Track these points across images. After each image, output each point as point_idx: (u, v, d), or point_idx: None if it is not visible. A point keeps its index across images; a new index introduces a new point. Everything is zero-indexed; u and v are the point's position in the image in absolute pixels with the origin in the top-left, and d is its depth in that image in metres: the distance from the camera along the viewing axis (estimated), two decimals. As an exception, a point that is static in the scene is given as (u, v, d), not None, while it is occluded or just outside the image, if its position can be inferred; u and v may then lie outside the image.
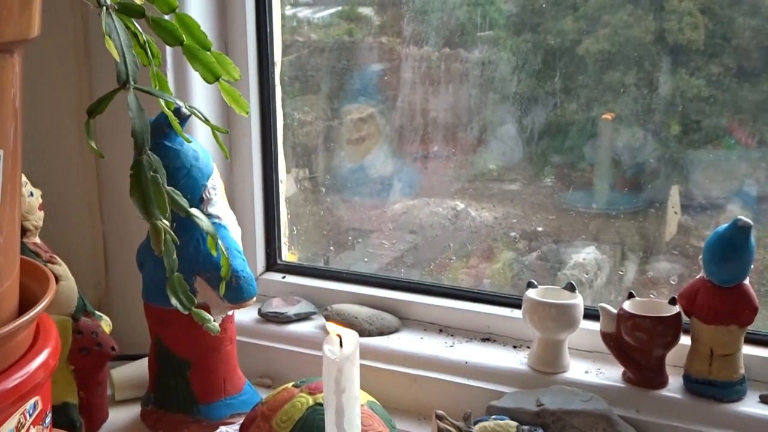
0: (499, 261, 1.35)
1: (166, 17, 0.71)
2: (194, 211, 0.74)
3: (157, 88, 0.76)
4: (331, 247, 1.42)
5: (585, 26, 1.15)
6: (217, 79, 0.73)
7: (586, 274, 1.28)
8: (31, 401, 0.72)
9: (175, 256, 0.73)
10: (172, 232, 0.69)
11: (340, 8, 1.33)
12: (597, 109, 1.20)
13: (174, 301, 0.73)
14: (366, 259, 1.39)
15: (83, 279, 1.23)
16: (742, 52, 1.08)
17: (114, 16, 0.65)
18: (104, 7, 0.64)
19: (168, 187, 0.70)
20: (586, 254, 1.31)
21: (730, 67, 1.09)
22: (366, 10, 1.29)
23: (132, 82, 0.66)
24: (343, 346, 0.59)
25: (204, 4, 1.15)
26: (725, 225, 0.92)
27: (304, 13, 1.35)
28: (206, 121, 0.73)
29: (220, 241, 0.77)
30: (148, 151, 0.67)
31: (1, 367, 0.70)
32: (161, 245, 0.67)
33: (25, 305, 0.74)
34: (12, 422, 0.69)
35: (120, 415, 1.08)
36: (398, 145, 1.38)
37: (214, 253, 0.77)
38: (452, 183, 1.37)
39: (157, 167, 0.68)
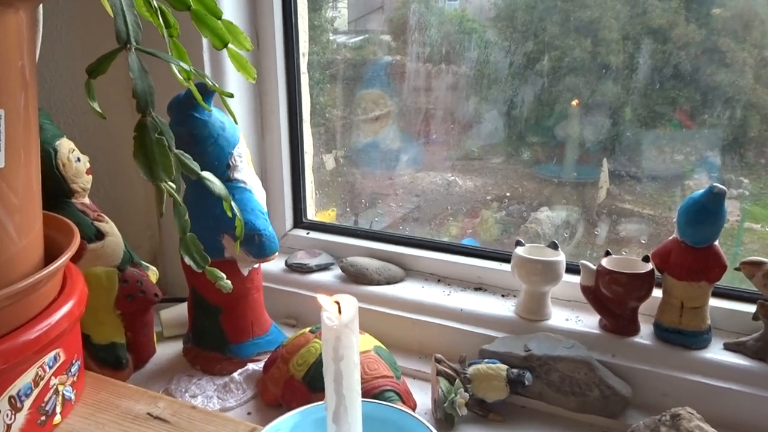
0: (479, 216, 1.36)
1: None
2: (206, 174, 0.55)
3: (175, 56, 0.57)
4: (363, 201, 1.40)
5: (542, 48, 1.15)
6: (225, 45, 0.53)
7: (541, 226, 1.26)
8: (51, 354, 0.54)
9: (186, 217, 0.54)
10: (176, 195, 0.50)
11: (367, 35, 1.39)
12: (559, 103, 1.19)
13: (188, 260, 0.55)
14: (380, 212, 1.37)
15: (140, 232, 1.06)
16: (650, 70, 1.07)
17: (114, -25, 0.46)
18: (102, -35, 0.45)
19: (177, 150, 0.51)
20: (541, 212, 1.27)
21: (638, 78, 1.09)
22: (386, 37, 1.37)
23: (134, 43, 0.46)
24: (341, 313, 0.40)
25: (237, 4, 0.95)
26: (700, 191, 0.72)
27: (341, 39, 1.40)
28: (214, 85, 0.54)
29: (233, 204, 0.59)
30: (153, 113, 0.48)
31: (26, 318, 0.53)
32: (163, 207, 0.49)
33: (51, 257, 0.56)
34: (29, 376, 0.52)
35: (166, 350, 0.91)
36: (416, 133, 1.38)
37: (229, 214, 0.58)
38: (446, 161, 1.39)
39: (164, 129, 0.49)
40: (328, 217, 1.40)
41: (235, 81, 0.95)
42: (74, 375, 0.58)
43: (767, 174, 1.08)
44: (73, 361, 0.58)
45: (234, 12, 0.94)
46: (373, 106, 1.41)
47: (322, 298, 0.38)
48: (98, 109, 0.48)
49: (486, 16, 1.32)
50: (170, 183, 0.49)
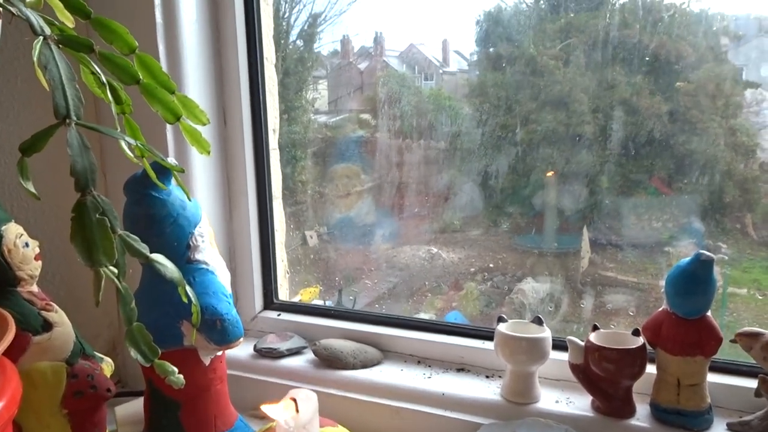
0: (463, 288, 1.37)
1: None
2: (156, 256, 0.50)
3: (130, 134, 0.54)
4: (347, 276, 1.41)
5: (519, 121, 1.19)
6: (178, 119, 0.51)
7: (525, 298, 1.27)
8: (-30, 469, 0.47)
9: (133, 305, 0.49)
10: (117, 281, 0.45)
11: (347, 114, 1.42)
12: (535, 174, 1.24)
13: (134, 353, 0.50)
14: (368, 282, 1.38)
15: (98, 320, 0.99)
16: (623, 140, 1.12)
17: (53, 48, 0.43)
18: (41, 37, 0.43)
19: (122, 231, 0.47)
20: (525, 283, 1.29)
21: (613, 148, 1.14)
22: (366, 116, 1.39)
23: (74, 118, 0.43)
24: (298, 413, 0.35)
25: (203, 80, 0.94)
26: (687, 259, 0.69)
27: (322, 119, 1.42)
28: (163, 160, 0.51)
29: (188, 288, 0.54)
30: (94, 192, 0.44)
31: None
32: (100, 295, 0.44)
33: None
34: (-61, 498, 0.45)
35: (121, 451, 0.82)
36: (397, 208, 1.42)
37: (184, 299, 0.54)
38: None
39: (106, 209, 0.45)
40: (311, 294, 1.35)
41: (199, 157, 0.92)
42: (0, 492, 0.51)
43: (744, 238, 1.09)
44: (0, 475, 0.51)
45: (199, 89, 0.92)
46: (355, 182, 1.41)
47: (267, 408, 0.33)
48: (32, 190, 0.44)
49: (461, 92, 1.37)
50: (111, 267, 0.45)
